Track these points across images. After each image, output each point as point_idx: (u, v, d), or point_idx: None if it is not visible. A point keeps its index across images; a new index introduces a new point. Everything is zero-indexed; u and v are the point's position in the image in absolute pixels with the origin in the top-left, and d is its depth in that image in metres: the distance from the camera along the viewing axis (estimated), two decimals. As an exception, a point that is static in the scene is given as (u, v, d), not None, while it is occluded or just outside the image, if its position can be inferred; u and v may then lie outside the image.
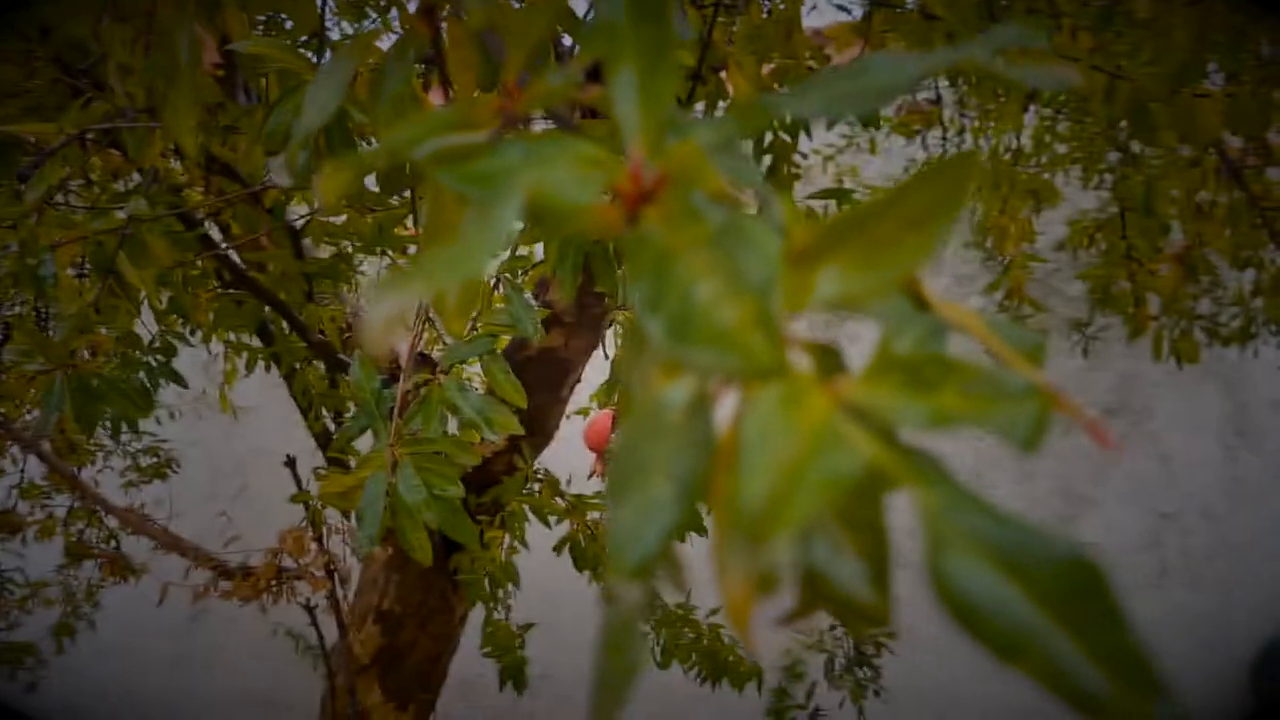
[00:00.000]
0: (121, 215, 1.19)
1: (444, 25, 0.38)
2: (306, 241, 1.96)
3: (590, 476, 1.64)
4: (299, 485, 2.18)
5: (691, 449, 0.25)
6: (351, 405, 2.23)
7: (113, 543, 2.66)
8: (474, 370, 1.33)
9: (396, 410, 1.02)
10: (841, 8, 1.81)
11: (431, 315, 1.56)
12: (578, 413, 1.98)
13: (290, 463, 2.19)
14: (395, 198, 1.31)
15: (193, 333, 2.03)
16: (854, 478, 0.21)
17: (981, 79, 1.98)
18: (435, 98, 0.44)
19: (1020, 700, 3.27)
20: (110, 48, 0.79)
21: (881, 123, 1.81)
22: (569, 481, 2.07)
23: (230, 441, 3.47)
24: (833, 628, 2.69)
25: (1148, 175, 2.13)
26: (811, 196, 1.40)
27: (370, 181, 1.48)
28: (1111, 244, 2.54)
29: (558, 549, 2.00)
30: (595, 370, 2.10)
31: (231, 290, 1.94)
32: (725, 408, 0.26)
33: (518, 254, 1.16)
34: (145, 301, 1.64)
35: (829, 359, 0.27)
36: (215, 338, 2.13)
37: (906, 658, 3.09)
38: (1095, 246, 2.66)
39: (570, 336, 1.99)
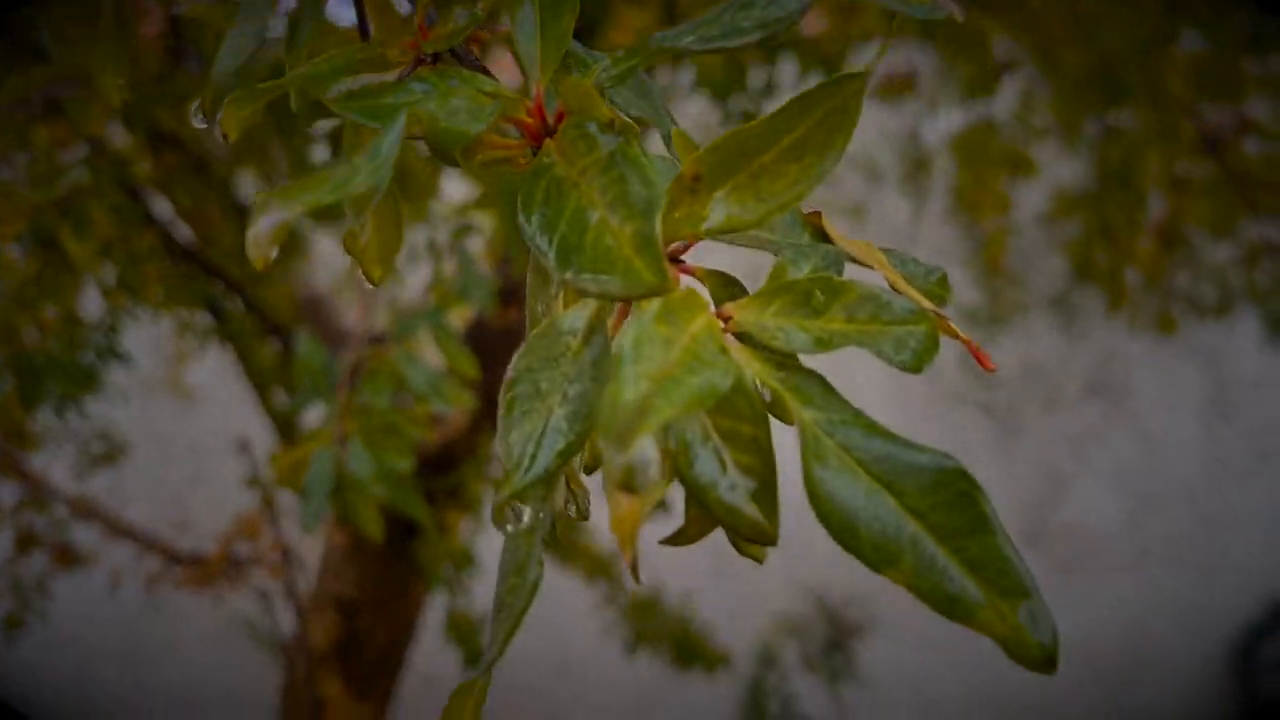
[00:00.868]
0: (63, 186, 1.17)
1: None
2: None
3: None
4: (254, 469, 2.16)
5: (588, 372, 0.26)
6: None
7: (62, 532, 2.62)
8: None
9: (345, 382, 1.02)
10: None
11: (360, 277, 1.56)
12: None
13: (244, 446, 2.18)
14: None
15: (141, 312, 2.00)
16: (724, 389, 0.22)
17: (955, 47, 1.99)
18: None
19: (1001, 687, 3.32)
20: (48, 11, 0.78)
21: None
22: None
23: (183, 425, 3.43)
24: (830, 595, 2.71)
25: (1126, 147, 2.17)
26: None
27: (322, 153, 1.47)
28: (1090, 217, 2.58)
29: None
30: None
31: (181, 266, 1.91)
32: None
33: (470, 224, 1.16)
34: (92, 279, 1.61)
35: (730, 288, 0.28)
36: (165, 315, 2.10)
37: (887, 646, 3.13)
38: (1075, 219, 2.70)
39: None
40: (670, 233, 0.25)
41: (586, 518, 0.29)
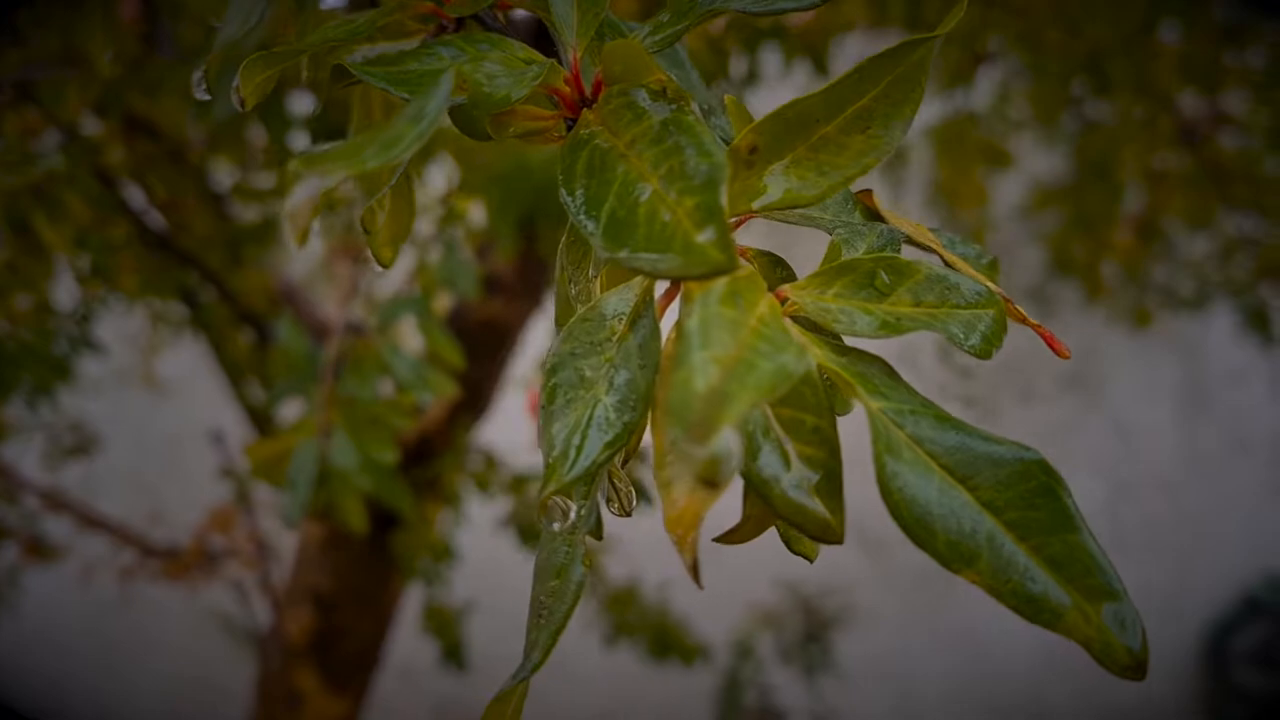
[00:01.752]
0: (37, 171, 1.14)
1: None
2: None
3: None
4: (229, 460, 2.13)
5: (635, 358, 0.24)
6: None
7: (33, 524, 2.57)
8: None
9: (329, 373, 0.99)
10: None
11: (362, 255, 1.53)
12: (522, 385, 1.96)
13: (218, 438, 2.14)
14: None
15: (114, 303, 1.96)
16: (799, 374, 0.20)
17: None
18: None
19: (979, 676, 3.33)
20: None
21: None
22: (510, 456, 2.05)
23: (157, 417, 3.38)
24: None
25: (1104, 140, 2.17)
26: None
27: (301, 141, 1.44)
28: (1069, 209, 2.59)
29: (503, 525, 1.98)
30: (533, 339, 2.08)
31: (155, 254, 1.87)
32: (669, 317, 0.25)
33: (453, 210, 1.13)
34: (66, 269, 1.58)
35: (778, 269, 0.26)
36: (138, 305, 2.07)
37: (864, 636, 3.13)
38: (1053, 211, 2.71)
39: (509, 302, 1.96)
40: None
41: (629, 513, 0.27)
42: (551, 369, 0.25)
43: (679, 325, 0.22)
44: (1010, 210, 3.07)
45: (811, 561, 0.27)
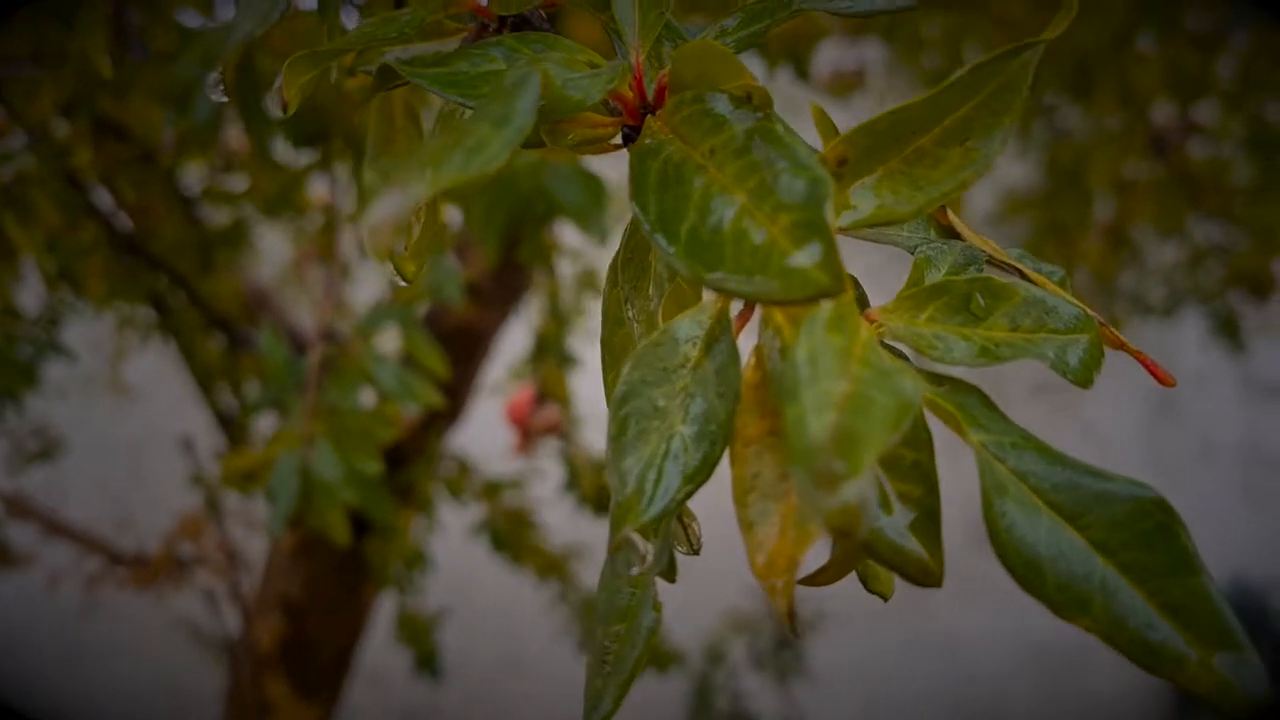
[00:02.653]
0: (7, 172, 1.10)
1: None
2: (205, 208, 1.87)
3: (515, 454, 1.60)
4: (198, 467, 2.09)
5: (713, 385, 0.22)
6: (254, 383, 2.15)
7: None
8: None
9: (310, 382, 0.96)
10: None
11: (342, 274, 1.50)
12: (495, 392, 1.94)
13: (187, 444, 2.10)
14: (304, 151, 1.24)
15: (81, 307, 1.92)
16: (917, 406, 0.19)
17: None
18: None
19: (948, 679, 3.34)
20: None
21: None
22: (483, 462, 2.03)
23: (123, 422, 3.32)
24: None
25: (1076, 148, 2.18)
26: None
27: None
28: (1041, 216, 2.61)
29: (477, 532, 1.96)
30: (508, 345, 2.06)
31: (124, 259, 1.84)
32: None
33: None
34: (32, 272, 1.54)
35: (854, 289, 0.24)
36: (105, 310, 2.02)
37: (835, 640, 3.12)
38: (1025, 218, 2.73)
39: (484, 308, 1.94)
40: (808, 225, 0.21)
41: (698, 552, 0.25)
42: (622, 398, 0.23)
43: (784, 355, 0.20)
44: (983, 217, 3.08)
45: (886, 599, 0.25)
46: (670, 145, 0.23)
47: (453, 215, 1.69)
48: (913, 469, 0.22)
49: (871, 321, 0.23)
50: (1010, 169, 2.93)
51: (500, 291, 1.94)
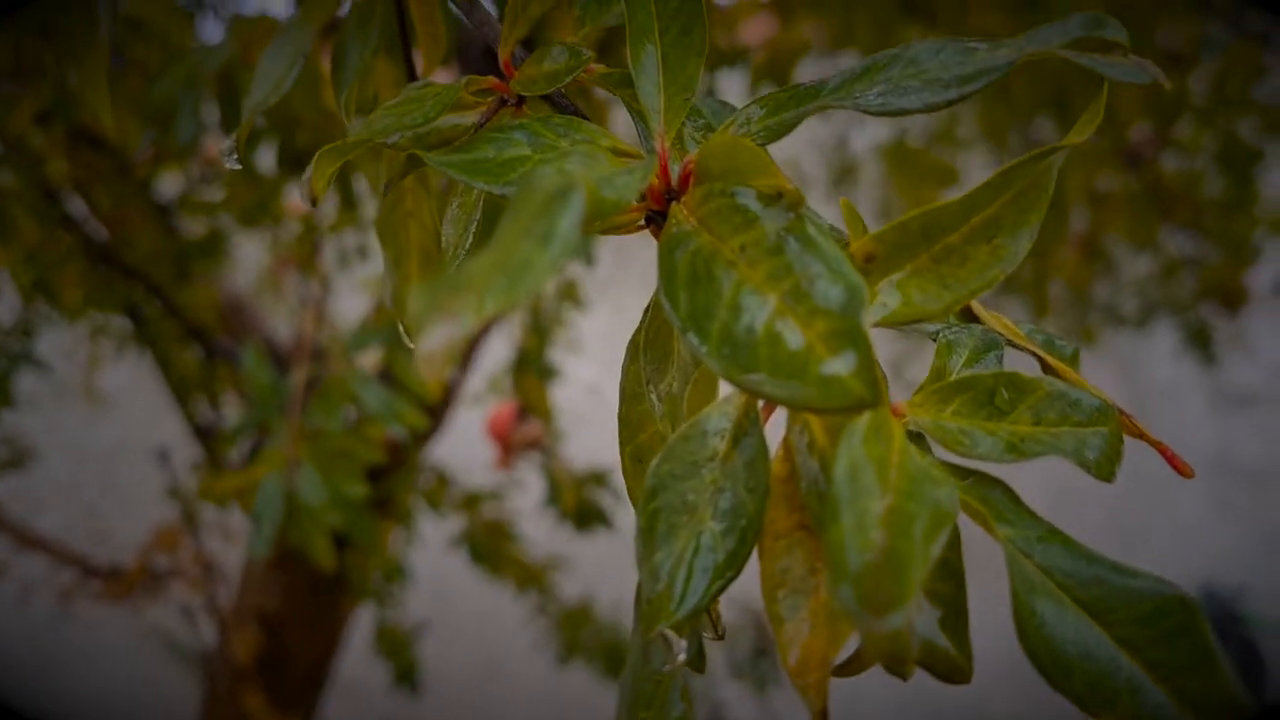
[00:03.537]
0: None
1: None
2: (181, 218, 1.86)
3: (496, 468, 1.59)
4: (174, 480, 2.07)
5: (742, 481, 0.22)
6: (231, 394, 2.14)
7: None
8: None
9: (296, 404, 0.96)
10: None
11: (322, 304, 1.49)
12: (475, 403, 1.93)
13: (163, 456, 2.08)
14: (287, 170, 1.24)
15: (54, 315, 1.90)
16: (954, 515, 0.19)
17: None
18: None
19: (925, 686, 3.35)
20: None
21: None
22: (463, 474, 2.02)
23: (95, 431, 3.29)
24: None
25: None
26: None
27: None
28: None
29: (456, 544, 1.95)
30: (486, 357, 2.05)
31: (100, 269, 1.82)
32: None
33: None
34: (6, 284, 1.53)
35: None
36: (81, 320, 2.00)
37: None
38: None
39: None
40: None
41: (721, 637, 0.26)
42: (651, 492, 0.23)
43: (814, 453, 0.21)
44: (960, 228, 3.10)
45: (906, 680, 0.26)
46: (699, 237, 0.23)
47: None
48: (942, 567, 0.22)
49: (898, 416, 0.23)
50: (982, 178, 2.96)
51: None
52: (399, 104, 0.27)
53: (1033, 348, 0.28)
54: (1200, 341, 2.88)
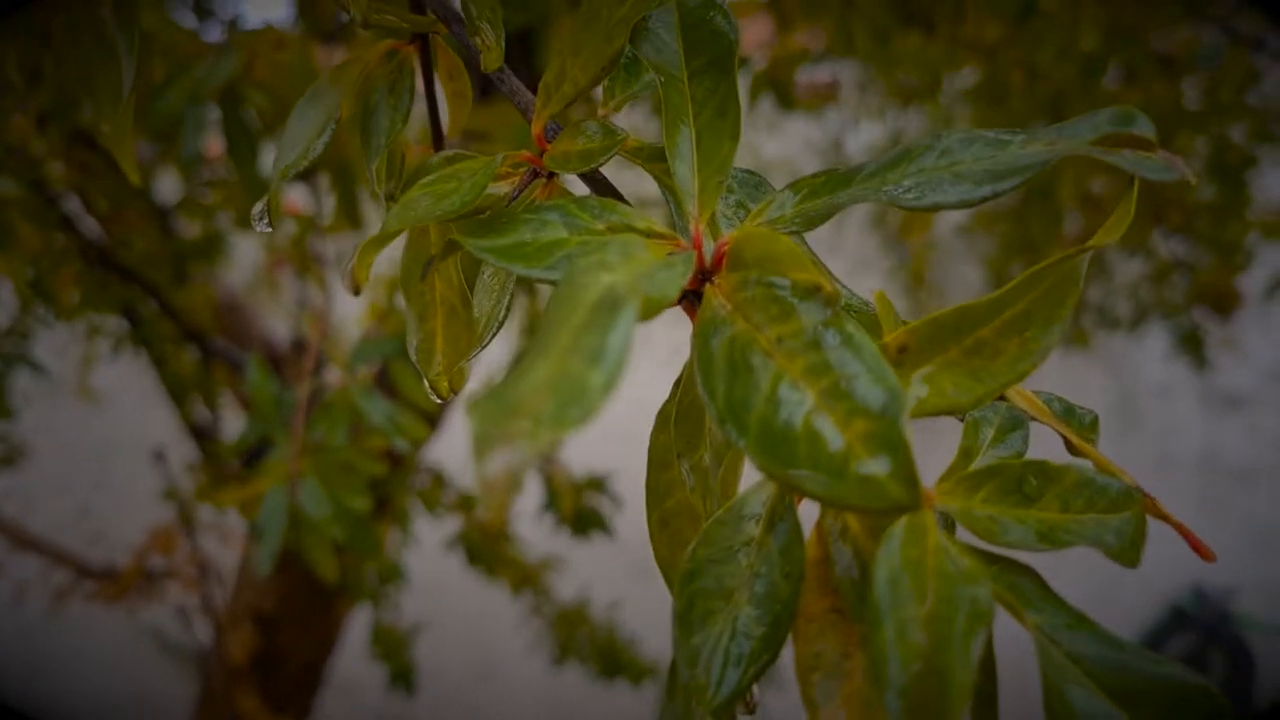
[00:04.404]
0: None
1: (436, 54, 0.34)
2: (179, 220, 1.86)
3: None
4: (171, 480, 2.07)
5: (777, 565, 0.23)
6: (227, 395, 2.14)
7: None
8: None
9: (300, 417, 0.96)
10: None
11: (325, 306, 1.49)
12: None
13: (159, 456, 2.08)
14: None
15: (55, 317, 1.90)
16: (991, 615, 0.19)
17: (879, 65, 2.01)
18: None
19: None
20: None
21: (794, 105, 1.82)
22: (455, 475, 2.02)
23: (87, 427, 3.28)
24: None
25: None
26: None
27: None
28: (1011, 231, 2.64)
29: (452, 545, 1.96)
30: (485, 357, 2.05)
31: (97, 270, 1.81)
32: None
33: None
34: (3, 285, 1.52)
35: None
36: (77, 319, 2.00)
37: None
38: (993, 233, 2.76)
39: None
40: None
41: (753, 711, 0.26)
42: (689, 576, 0.23)
43: (846, 540, 0.21)
44: (953, 229, 3.12)
45: None
46: (735, 324, 0.23)
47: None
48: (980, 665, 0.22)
49: (928, 502, 0.24)
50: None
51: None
52: (434, 181, 0.27)
53: (1058, 426, 0.29)
54: (1192, 344, 2.89)
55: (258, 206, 0.33)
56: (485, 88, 1.19)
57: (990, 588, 0.20)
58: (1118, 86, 1.83)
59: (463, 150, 0.31)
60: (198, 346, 2.05)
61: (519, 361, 0.18)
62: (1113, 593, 3.51)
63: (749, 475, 0.28)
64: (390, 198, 0.32)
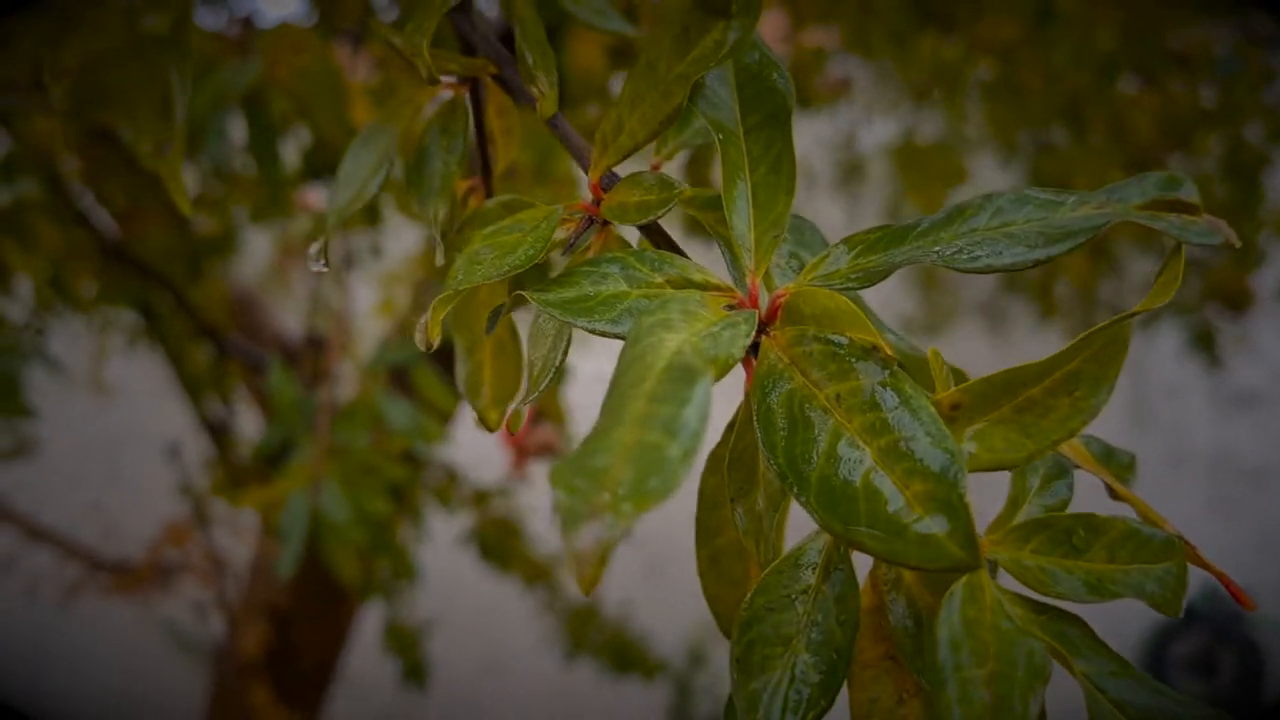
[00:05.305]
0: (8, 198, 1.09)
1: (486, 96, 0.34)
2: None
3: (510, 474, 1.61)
4: (185, 476, 2.08)
5: (833, 613, 0.24)
6: (240, 389, 2.15)
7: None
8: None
9: (323, 421, 0.97)
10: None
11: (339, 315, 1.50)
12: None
13: (174, 451, 2.09)
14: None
15: (62, 308, 1.90)
16: (1048, 671, 0.20)
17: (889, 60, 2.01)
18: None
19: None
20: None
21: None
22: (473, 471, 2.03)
23: (99, 420, 3.29)
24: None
25: (1060, 162, 2.22)
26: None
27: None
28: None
29: (465, 541, 1.97)
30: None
31: (113, 265, 1.82)
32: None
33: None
34: (19, 279, 1.53)
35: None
36: (92, 314, 2.01)
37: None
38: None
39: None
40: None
41: None
42: (747, 622, 0.24)
43: (900, 590, 0.22)
44: (965, 226, 3.12)
45: None
46: (792, 379, 0.24)
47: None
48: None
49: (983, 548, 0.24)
50: (995, 179, 2.97)
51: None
52: (496, 233, 0.28)
53: (1099, 471, 0.29)
54: (1205, 342, 2.89)
55: (314, 247, 0.33)
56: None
57: (1044, 647, 0.21)
58: (1136, 90, 1.83)
59: (519, 196, 0.32)
60: (213, 342, 2.05)
61: (593, 428, 0.19)
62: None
63: (796, 516, 0.29)
64: (444, 237, 0.33)
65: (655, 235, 0.30)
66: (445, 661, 2.58)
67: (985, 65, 1.84)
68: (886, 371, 0.23)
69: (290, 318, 2.48)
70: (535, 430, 1.62)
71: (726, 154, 0.28)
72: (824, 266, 0.27)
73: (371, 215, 1.57)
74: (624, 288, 0.26)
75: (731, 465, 0.28)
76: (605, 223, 0.31)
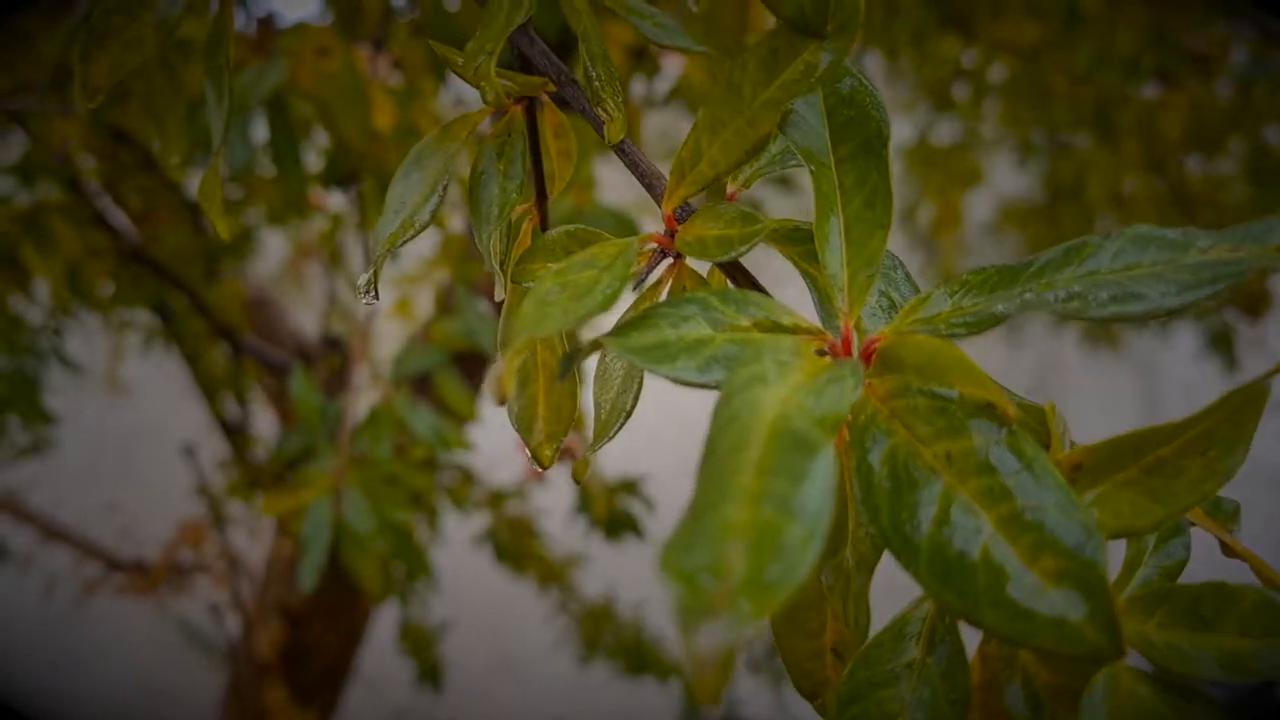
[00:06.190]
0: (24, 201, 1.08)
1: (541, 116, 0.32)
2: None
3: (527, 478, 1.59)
4: (201, 476, 2.07)
5: (941, 690, 0.22)
6: (256, 389, 2.14)
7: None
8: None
9: (346, 430, 0.95)
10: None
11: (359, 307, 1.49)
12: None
13: (189, 451, 2.09)
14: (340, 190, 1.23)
15: (79, 308, 1.90)
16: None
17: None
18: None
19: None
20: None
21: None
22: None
23: (112, 417, 3.29)
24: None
25: (1077, 162, 2.19)
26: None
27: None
28: (1042, 231, 2.62)
29: (480, 542, 1.95)
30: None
31: (130, 265, 1.81)
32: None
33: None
34: (37, 283, 1.53)
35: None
36: (109, 314, 2.00)
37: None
38: (1025, 232, 2.74)
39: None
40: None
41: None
42: (848, 698, 0.22)
43: (1030, 695, 0.20)
44: (981, 227, 3.10)
45: None
46: (894, 434, 0.22)
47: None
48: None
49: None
50: (1011, 180, 2.94)
51: (499, 309, 1.93)
52: (564, 270, 0.26)
53: (1211, 527, 0.28)
54: (1222, 345, 2.87)
55: (363, 279, 0.31)
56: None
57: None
58: (1159, 93, 1.81)
59: (584, 226, 0.30)
60: (228, 343, 2.05)
61: (693, 502, 0.17)
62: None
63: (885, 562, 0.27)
64: (502, 267, 0.31)
65: (736, 272, 0.28)
66: (460, 662, 2.57)
67: (1004, 64, 1.82)
68: (1004, 430, 0.21)
69: (306, 318, 2.47)
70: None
71: (819, 187, 0.26)
72: (924, 309, 0.25)
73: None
74: (708, 332, 0.24)
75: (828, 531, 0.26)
76: (678, 256, 0.29)
